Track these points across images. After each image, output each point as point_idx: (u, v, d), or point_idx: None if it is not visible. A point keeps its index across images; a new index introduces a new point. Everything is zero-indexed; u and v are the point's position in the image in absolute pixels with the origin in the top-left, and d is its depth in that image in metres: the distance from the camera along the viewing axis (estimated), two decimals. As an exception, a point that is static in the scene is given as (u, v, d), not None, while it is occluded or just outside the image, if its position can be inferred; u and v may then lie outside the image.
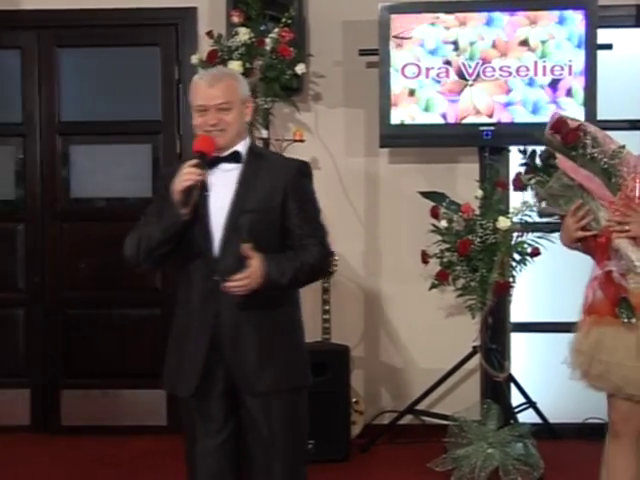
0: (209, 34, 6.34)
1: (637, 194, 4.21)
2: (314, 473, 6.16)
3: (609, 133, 6.21)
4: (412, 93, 6.38)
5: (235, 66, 6.08)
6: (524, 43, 6.34)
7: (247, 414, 3.87)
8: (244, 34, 6.16)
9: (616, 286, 4.13)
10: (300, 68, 6.28)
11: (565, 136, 4.26)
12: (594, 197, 4.21)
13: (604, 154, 4.25)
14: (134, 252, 3.86)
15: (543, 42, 6.33)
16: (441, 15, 6.38)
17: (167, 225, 3.77)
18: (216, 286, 3.72)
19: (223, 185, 3.82)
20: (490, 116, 6.34)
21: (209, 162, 3.77)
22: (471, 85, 6.36)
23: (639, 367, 4.12)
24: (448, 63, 6.37)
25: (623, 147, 4.30)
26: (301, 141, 6.55)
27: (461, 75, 6.36)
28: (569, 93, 6.28)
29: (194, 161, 3.72)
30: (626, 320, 4.10)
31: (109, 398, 7.10)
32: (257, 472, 3.92)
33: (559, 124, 4.28)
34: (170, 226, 3.77)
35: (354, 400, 6.72)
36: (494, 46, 6.35)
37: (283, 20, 6.25)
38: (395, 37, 6.34)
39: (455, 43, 6.37)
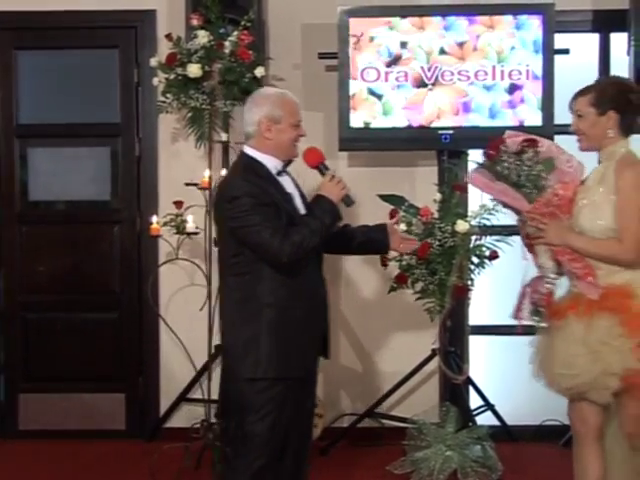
0: (168, 37, 6.29)
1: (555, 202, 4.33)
2: (273, 476, 6.16)
3: (567, 137, 6.27)
4: (371, 97, 6.37)
5: (194, 69, 6.05)
6: (482, 48, 6.35)
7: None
8: (203, 37, 6.13)
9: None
10: (259, 71, 6.25)
11: (486, 154, 4.44)
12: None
13: (525, 167, 4.36)
14: (299, 248, 4.16)
15: (501, 47, 6.34)
16: (400, 19, 6.38)
17: (334, 221, 4.32)
18: (320, 276, 4.39)
19: (292, 189, 4.39)
20: (449, 120, 6.34)
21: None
22: (430, 89, 6.36)
23: (585, 353, 4.17)
24: (407, 67, 6.36)
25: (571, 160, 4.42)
26: (260, 144, 6.51)
27: (420, 80, 6.36)
28: (527, 98, 6.29)
29: (333, 171, 4.42)
30: (537, 323, 4.36)
31: (68, 402, 7.03)
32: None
33: (492, 143, 4.44)
34: (335, 222, 4.34)
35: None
36: (452, 51, 6.36)
37: (242, 23, 6.22)
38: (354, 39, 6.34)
39: (414, 47, 6.37)
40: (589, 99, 4.35)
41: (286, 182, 4.36)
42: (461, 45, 6.36)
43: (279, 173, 4.34)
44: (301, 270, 4.25)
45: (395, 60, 6.38)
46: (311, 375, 4.47)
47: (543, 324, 4.39)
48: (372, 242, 4.72)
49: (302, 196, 4.45)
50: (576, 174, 4.39)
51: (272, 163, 4.33)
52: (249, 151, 4.36)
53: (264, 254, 4.19)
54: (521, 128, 5.82)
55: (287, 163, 4.41)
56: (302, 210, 4.36)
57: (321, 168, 4.40)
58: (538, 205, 4.35)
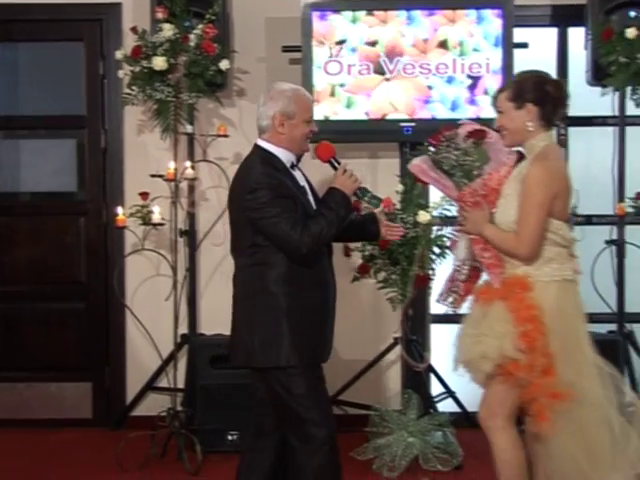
0: (133, 30, 6.29)
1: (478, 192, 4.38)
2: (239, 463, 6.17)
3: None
4: (334, 90, 6.40)
5: (159, 62, 6.06)
6: (443, 42, 6.39)
7: None
8: (168, 30, 6.13)
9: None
10: (224, 64, 6.26)
11: (429, 142, 4.53)
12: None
13: (461, 156, 4.41)
14: (318, 240, 4.23)
15: (462, 41, 6.39)
16: (362, 13, 6.40)
17: (347, 213, 4.36)
18: (331, 267, 4.47)
19: (304, 182, 4.43)
20: (410, 113, 6.38)
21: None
22: (392, 82, 6.40)
23: (473, 335, 4.25)
24: (369, 61, 6.39)
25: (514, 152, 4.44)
26: (225, 136, 6.54)
27: (382, 73, 6.39)
28: (487, 91, 6.34)
29: (345, 164, 4.44)
30: (452, 309, 4.48)
31: (34, 391, 7.02)
32: None
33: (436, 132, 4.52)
34: (349, 214, 4.40)
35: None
36: (414, 44, 6.39)
37: (207, 17, 6.22)
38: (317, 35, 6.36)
39: (376, 41, 6.40)
40: (507, 94, 4.35)
41: (298, 176, 4.42)
42: (422, 39, 6.39)
43: (292, 167, 4.39)
44: (314, 261, 4.32)
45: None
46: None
47: (457, 310, 4.48)
48: (366, 231, 4.79)
49: (312, 190, 4.49)
50: (511, 168, 4.40)
51: (286, 156, 4.38)
52: (263, 144, 4.40)
53: (284, 245, 4.23)
54: (481, 120, 5.85)
55: (299, 158, 4.47)
56: (313, 203, 4.40)
57: (332, 162, 4.45)
58: (464, 194, 4.39)
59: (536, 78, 4.37)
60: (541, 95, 4.30)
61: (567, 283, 4.28)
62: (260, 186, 4.23)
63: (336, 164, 4.46)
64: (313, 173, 4.72)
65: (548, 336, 4.14)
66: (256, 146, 4.43)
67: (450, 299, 4.47)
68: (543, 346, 4.12)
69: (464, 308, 4.50)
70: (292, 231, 4.17)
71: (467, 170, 4.37)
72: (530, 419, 4.24)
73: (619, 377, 4.36)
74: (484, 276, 4.44)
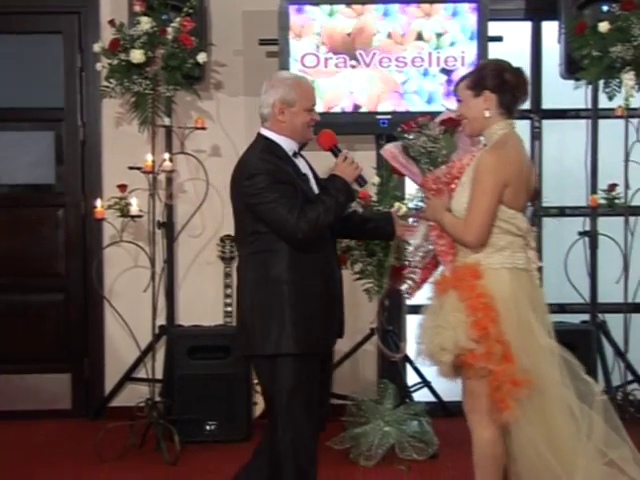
0: (111, 23, 6.27)
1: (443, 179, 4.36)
2: (217, 453, 6.23)
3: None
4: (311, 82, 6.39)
5: (137, 55, 6.04)
6: (419, 35, 6.40)
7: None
8: (146, 23, 6.11)
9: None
10: (201, 57, 6.25)
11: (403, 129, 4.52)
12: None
13: (429, 143, 4.41)
14: (315, 226, 4.18)
15: (437, 34, 6.40)
16: (339, 6, 6.41)
17: (347, 200, 4.32)
18: (335, 258, 4.43)
19: (307, 171, 4.38)
20: (387, 105, 6.38)
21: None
22: (369, 75, 6.40)
23: (433, 327, 4.21)
24: (346, 53, 6.40)
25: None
26: (203, 128, 6.53)
27: (358, 65, 6.39)
28: (462, 83, 6.35)
29: (346, 152, 4.39)
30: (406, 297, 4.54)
31: (14, 383, 6.99)
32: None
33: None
34: (349, 201, 4.36)
35: (256, 382, 6.73)
36: (390, 37, 6.40)
37: (184, 10, 6.21)
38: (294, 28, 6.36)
39: (353, 34, 6.40)
40: (466, 83, 4.30)
41: (301, 164, 4.37)
42: (398, 32, 6.40)
43: (294, 155, 4.36)
44: (318, 250, 4.27)
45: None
46: (330, 352, 4.51)
47: (411, 297, 4.51)
48: (381, 229, 4.73)
49: (316, 178, 4.45)
50: (473, 156, 4.34)
51: (288, 144, 4.33)
52: (265, 132, 4.36)
53: (281, 230, 4.19)
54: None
55: (302, 146, 4.43)
56: (316, 191, 4.37)
57: (334, 150, 4.40)
58: (427, 180, 4.37)
59: (495, 66, 4.30)
60: (499, 83, 4.22)
61: (519, 271, 4.22)
62: (258, 172, 4.20)
63: (337, 152, 4.42)
64: (322, 163, 4.69)
65: (501, 323, 4.10)
66: (258, 134, 4.40)
67: (405, 286, 4.47)
68: (497, 333, 4.07)
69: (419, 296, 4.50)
70: (289, 216, 4.13)
71: (433, 157, 4.37)
72: (494, 409, 4.23)
73: (577, 364, 4.33)
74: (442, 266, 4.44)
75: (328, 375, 4.59)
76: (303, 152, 4.44)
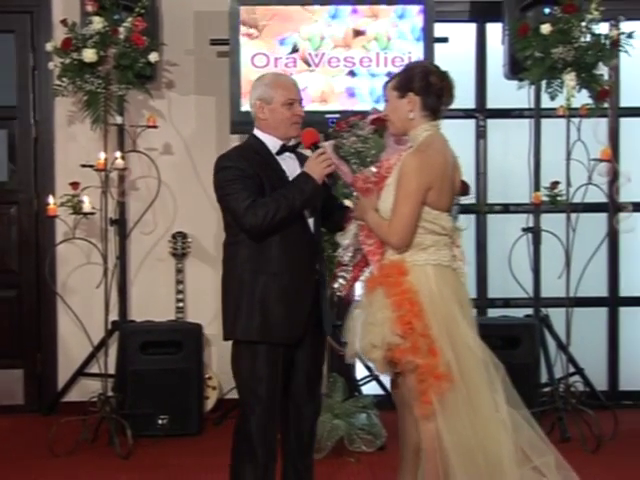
0: (63, 22, 6.22)
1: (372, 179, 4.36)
2: (169, 446, 6.21)
3: (446, 121, 6.33)
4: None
5: (89, 54, 6.00)
6: (367, 36, 6.42)
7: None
8: (98, 23, 6.07)
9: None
10: (153, 56, 6.22)
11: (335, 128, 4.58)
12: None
13: (359, 143, 4.42)
14: (263, 221, 4.17)
15: (384, 35, 6.41)
16: (288, 7, 6.40)
17: (309, 198, 4.25)
18: (313, 245, 4.36)
19: (294, 168, 4.33)
20: (335, 104, 6.39)
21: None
22: (317, 74, 6.41)
23: (363, 325, 4.21)
24: (295, 53, 6.40)
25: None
26: (154, 127, 6.50)
27: (307, 65, 6.40)
28: (409, 83, 6.37)
29: (323, 150, 4.28)
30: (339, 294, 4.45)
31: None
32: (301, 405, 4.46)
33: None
34: (312, 199, 4.27)
35: (207, 376, 6.73)
36: (339, 38, 6.41)
37: (136, 10, 6.17)
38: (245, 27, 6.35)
39: (302, 35, 6.40)
40: (393, 83, 4.29)
41: (287, 162, 4.35)
42: (347, 33, 6.41)
43: (280, 152, 4.35)
44: (287, 240, 4.25)
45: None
46: (304, 343, 4.39)
47: (343, 295, 4.45)
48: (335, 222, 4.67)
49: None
50: (400, 157, 4.33)
51: (272, 142, 4.34)
52: (255, 131, 4.40)
53: (236, 221, 4.25)
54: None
55: (296, 144, 4.41)
56: None
57: (313, 149, 4.33)
58: (356, 180, 4.38)
59: (421, 69, 4.28)
60: (424, 85, 4.20)
61: (444, 268, 4.23)
62: (228, 165, 4.27)
63: (315, 150, 4.36)
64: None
65: (426, 318, 4.11)
66: (249, 134, 4.46)
67: (336, 284, 4.48)
68: (421, 328, 4.08)
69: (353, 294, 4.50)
70: (239, 207, 4.17)
71: (363, 157, 4.39)
72: (415, 402, 4.25)
73: (503, 369, 4.36)
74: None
75: (310, 368, 4.48)
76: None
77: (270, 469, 4.33)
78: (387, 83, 4.35)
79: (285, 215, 4.18)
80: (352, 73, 6.42)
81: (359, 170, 4.38)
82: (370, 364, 4.36)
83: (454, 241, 4.32)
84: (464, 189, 4.66)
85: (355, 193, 4.39)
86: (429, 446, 4.21)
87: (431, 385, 4.10)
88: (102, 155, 6.19)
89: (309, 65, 6.40)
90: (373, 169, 4.38)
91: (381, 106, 4.46)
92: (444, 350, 4.11)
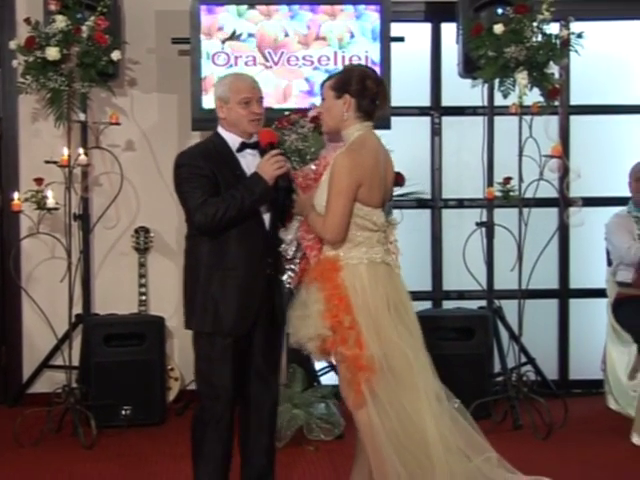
0: (27, 21, 6.16)
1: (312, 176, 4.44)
2: (133, 436, 6.19)
3: (402, 119, 6.47)
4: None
5: (52, 52, 5.96)
6: (325, 35, 6.42)
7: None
8: (61, 21, 6.03)
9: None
10: (115, 55, 6.19)
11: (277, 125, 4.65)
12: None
13: (299, 140, 4.44)
14: (213, 219, 4.21)
15: (342, 35, 6.42)
16: (248, 7, 6.39)
17: (258, 199, 4.27)
18: (267, 241, 4.36)
19: (255, 165, 4.33)
20: (294, 102, 6.38)
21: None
22: (276, 73, 6.40)
23: (301, 317, 4.26)
24: (255, 52, 6.39)
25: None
26: (117, 124, 6.47)
27: (267, 64, 6.39)
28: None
29: (278, 151, 4.33)
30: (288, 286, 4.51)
31: None
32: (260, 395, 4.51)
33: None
34: (262, 199, 4.28)
35: (170, 367, 6.71)
36: (297, 38, 6.41)
37: (99, 9, 6.13)
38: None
39: (261, 34, 6.39)
40: (330, 83, 4.35)
41: (247, 159, 4.38)
42: (305, 33, 6.41)
43: (239, 149, 4.38)
44: (243, 235, 4.30)
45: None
46: (260, 336, 4.43)
47: (292, 288, 4.50)
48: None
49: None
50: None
51: (232, 139, 4.38)
52: (218, 129, 4.44)
53: (188, 218, 4.32)
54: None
55: (257, 141, 4.40)
56: None
57: (268, 148, 4.34)
58: (296, 176, 4.46)
59: (359, 72, 4.35)
60: (360, 88, 4.27)
61: (376, 265, 4.29)
62: (185, 162, 4.32)
63: (269, 150, 4.37)
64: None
65: (354, 312, 4.18)
66: (210, 130, 4.52)
67: (285, 277, 4.50)
68: (349, 321, 4.16)
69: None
70: (192, 207, 4.24)
71: (303, 154, 4.42)
72: (346, 393, 4.29)
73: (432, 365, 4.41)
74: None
75: (271, 357, 4.54)
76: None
77: (227, 455, 4.41)
78: (325, 82, 4.40)
79: (234, 214, 4.22)
80: (311, 72, 6.42)
81: (299, 167, 4.40)
82: (308, 353, 4.40)
83: (388, 236, 4.38)
84: (399, 180, 4.71)
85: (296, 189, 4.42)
86: (364, 434, 4.26)
87: (357, 375, 4.16)
88: (65, 151, 6.15)
89: (268, 64, 6.39)
90: (313, 166, 4.44)
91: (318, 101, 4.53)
92: (370, 343, 4.18)
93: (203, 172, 4.26)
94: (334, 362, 4.50)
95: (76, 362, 6.40)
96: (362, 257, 4.28)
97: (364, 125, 4.32)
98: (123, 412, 6.24)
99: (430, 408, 4.26)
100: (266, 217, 4.37)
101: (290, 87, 6.41)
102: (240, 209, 4.22)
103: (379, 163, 4.32)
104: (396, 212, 5.46)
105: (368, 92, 4.30)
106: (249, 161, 4.37)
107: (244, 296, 4.31)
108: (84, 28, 6.07)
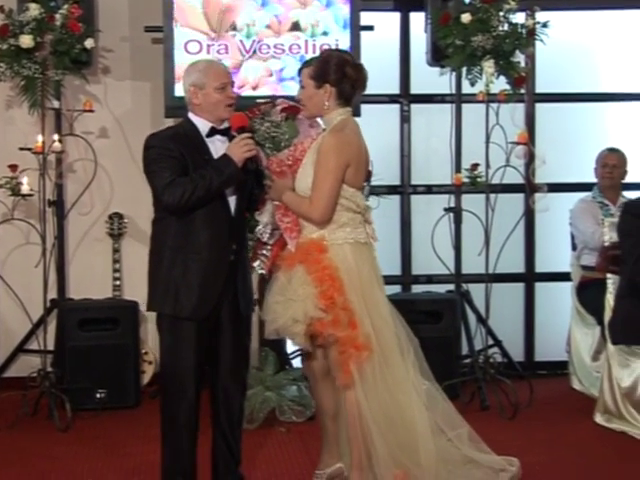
0: (0, 9, 6.10)
1: (287, 162, 4.46)
2: (107, 419, 6.17)
3: (372, 106, 6.45)
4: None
5: (26, 40, 5.91)
6: (295, 24, 6.40)
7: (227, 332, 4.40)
8: (35, 9, 5.98)
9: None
10: (89, 43, 6.14)
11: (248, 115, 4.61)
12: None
13: (272, 128, 4.46)
14: (180, 199, 4.17)
15: (313, 23, 6.40)
16: (221, -4, 6.38)
17: (227, 180, 4.22)
18: (232, 226, 4.29)
19: (223, 151, 4.28)
20: (265, 90, 6.36)
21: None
22: (247, 61, 6.38)
23: (283, 301, 4.28)
24: (227, 41, 6.36)
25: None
26: (91, 111, 6.43)
27: (239, 52, 6.37)
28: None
29: (248, 135, 4.27)
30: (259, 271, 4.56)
31: None
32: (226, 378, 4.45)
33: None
34: (230, 181, 4.24)
35: (144, 351, 6.70)
36: (269, 26, 6.38)
37: (72, -3, 6.10)
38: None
39: (233, 23, 6.37)
40: (309, 71, 4.37)
41: (216, 144, 4.35)
42: (277, 21, 6.39)
43: (209, 135, 4.35)
44: (208, 218, 4.27)
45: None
46: (225, 324, 4.39)
47: (265, 274, 4.53)
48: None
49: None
50: (314, 140, 4.44)
51: (202, 124, 4.35)
52: (189, 114, 4.41)
53: (156, 198, 4.30)
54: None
55: (227, 127, 4.37)
56: None
57: (239, 132, 4.32)
58: (271, 163, 4.48)
59: (338, 60, 4.36)
60: (340, 77, 4.31)
61: (360, 245, 4.34)
62: (153, 144, 4.31)
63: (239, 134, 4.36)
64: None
65: (346, 292, 4.21)
66: (182, 117, 4.48)
67: (257, 262, 4.50)
68: (342, 302, 4.19)
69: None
70: (160, 186, 4.22)
71: (277, 142, 4.44)
72: (336, 373, 4.30)
73: (417, 342, 4.44)
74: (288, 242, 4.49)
75: (239, 345, 4.49)
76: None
77: (194, 433, 4.39)
78: (302, 68, 4.40)
79: (202, 195, 4.19)
80: (282, 60, 6.40)
81: (273, 154, 4.41)
82: (290, 338, 4.39)
83: (367, 219, 4.40)
84: (367, 174, 4.75)
85: (269, 175, 4.43)
86: (351, 413, 4.28)
87: (351, 356, 4.18)
88: (40, 138, 6.11)
89: (240, 52, 6.36)
90: (287, 152, 4.45)
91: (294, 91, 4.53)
92: (363, 322, 4.19)
93: (172, 154, 4.24)
94: (317, 345, 4.43)
95: (51, 346, 6.37)
96: (347, 237, 4.29)
97: (345, 110, 4.36)
98: (98, 395, 6.22)
99: (414, 386, 4.29)
100: (231, 201, 4.33)
101: (262, 75, 6.39)
102: (208, 189, 4.20)
103: (361, 146, 4.36)
104: (372, 198, 5.50)
105: (348, 79, 4.32)
106: (218, 147, 4.35)
107: (206, 280, 4.28)
108: (58, 16, 6.03)
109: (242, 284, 4.41)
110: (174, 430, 4.36)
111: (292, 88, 6.29)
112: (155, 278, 4.35)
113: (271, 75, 6.38)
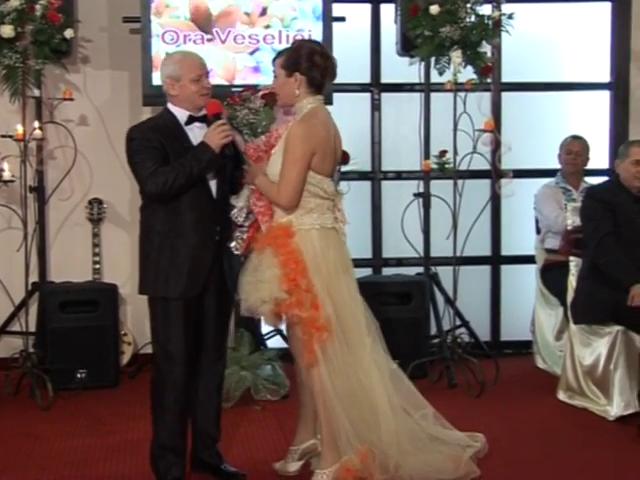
0: (-19, 0, 6.06)
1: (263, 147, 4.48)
2: (88, 398, 6.16)
3: (344, 95, 6.43)
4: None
5: (7, 30, 5.87)
6: (269, 15, 6.38)
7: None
8: (15, 0, 5.92)
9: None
10: (68, 33, 6.11)
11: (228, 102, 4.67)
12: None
13: (250, 114, 4.46)
14: (163, 187, 4.20)
15: (285, 14, 6.38)
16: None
17: (206, 166, 4.25)
18: (216, 209, 4.34)
19: (201, 138, 4.29)
20: (240, 79, 6.34)
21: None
22: (224, 51, 6.35)
23: (254, 282, 4.30)
24: (203, 31, 6.34)
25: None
26: (71, 99, 6.39)
27: (214, 41, 6.34)
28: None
29: (223, 121, 4.30)
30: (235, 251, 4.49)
31: None
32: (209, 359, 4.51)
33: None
34: (209, 167, 4.27)
35: (123, 332, 6.68)
36: (243, 17, 6.36)
37: (52, -12, 6.04)
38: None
39: (209, 13, 6.34)
40: (281, 61, 4.39)
41: (194, 132, 4.36)
42: (251, 12, 6.37)
43: (187, 123, 4.36)
44: (192, 209, 4.30)
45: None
46: (211, 301, 4.41)
47: (241, 255, 4.51)
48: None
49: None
50: (288, 127, 4.44)
51: (181, 114, 4.36)
52: (168, 105, 4.42)
53: (140, 188, 4.32)
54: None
55: (204, 115, 4.36)
56: None
57: (214, 119, 4.32)
58: (248, 148, 4.50)
59: (307, 49, 4.36)
60: (309, 65, 4.31)
61: (327, 230, 4.36)
62: (135, 135, 4.32)
63: (216, 121, 4.35)
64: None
65: (310, 276, 4.24)
66: (160, 105, 4.50)
67: (233, 243, 4.50)
68: (306, 284, 4.22)
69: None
70: (143, 176, 4.24)
71: (254, 128, 4.44)
72: (301, 352, 4.34)
73: (378, 325, 4.48)
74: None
75: (222, 320, 4.56)
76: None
77: (185, 411, 4.43)
78: (276, 59, 4.42)
79: (184, 182, 4.22)
80: (256, 50, 6.38)
81: (251, 140, 4.42)
82: (260, 317, 4.43)
83: (336, 204, 4.43)
84: (344, 158, 4.76)
85: (247, 160, 4.44)
86: (317, 391, 4.31)
87: (313, 336, 4.20)
88: (20, 126, 6.07)
89: (216, 42, 6.34)
90: (263, 138, 4.46)
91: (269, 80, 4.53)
92: (325, 304, 4.24)
93: (153, 144, 4.26)
94: (284, 326, 4.52)
95: (33, 328, 6.34)
96: (314, 223, 4.31)
97: (316, 98, 4.37)
98: (78, 375, 6.19)
99: (377, 367, 4.32)
100: (213, 185, 4.36)
101: (237, 65, 6.36)
102: (189, 177, 4.22)
103: (330, 134, 4.37)
104: (343, 184, 5.49)
105: (317, 68, 4.33)
106: (197, 134, 4.36)
107: (194, 262, 4.31)
108: (38, 7, 5.98)
109: (227, 263, 4.44)
110: (165, 407, 4.38)
111: (266, 77, 6.28)
112: (145, 262, 4.38)
113: (246, 64, 6.37)
